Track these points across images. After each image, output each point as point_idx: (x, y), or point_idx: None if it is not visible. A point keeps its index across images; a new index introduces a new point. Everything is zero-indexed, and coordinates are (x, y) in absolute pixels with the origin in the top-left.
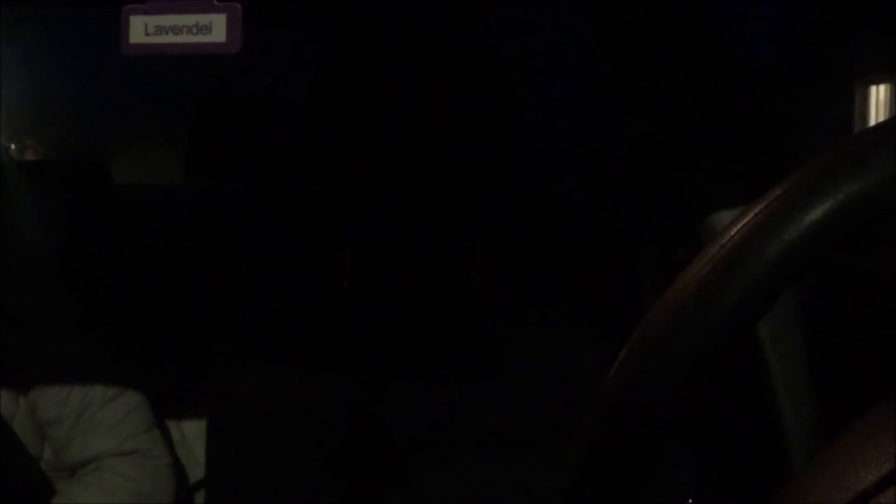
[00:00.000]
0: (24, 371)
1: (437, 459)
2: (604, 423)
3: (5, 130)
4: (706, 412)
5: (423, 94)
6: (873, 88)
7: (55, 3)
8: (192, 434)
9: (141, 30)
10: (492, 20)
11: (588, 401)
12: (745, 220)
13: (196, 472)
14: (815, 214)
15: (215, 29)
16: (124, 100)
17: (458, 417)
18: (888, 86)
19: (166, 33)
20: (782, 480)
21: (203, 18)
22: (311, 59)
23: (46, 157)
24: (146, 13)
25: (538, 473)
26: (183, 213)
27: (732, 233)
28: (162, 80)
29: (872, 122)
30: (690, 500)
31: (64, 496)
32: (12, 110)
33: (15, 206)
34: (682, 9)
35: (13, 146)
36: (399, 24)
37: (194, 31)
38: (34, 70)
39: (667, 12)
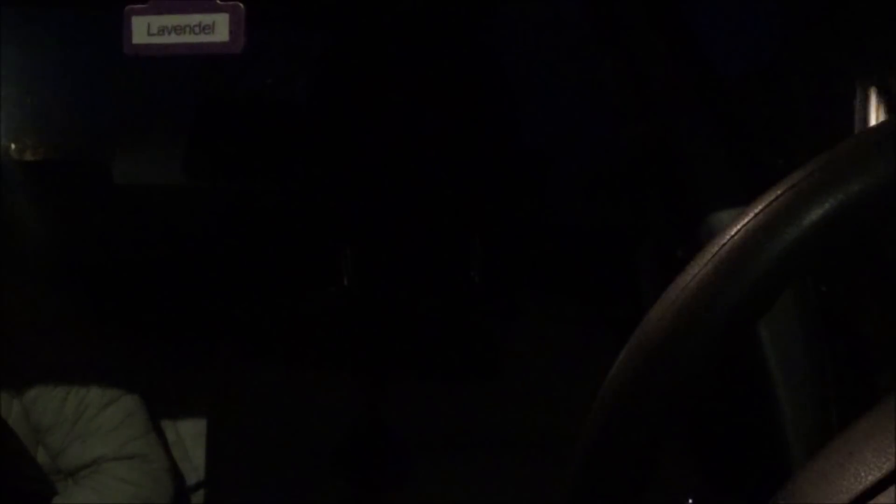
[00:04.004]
0: (20, 373)
1: (436, 458)
2: (604, 422)
3: (5, 130)
4: (706, 412)
5: (423, 96)
6: (873, 88)
7: (56, 4)
8: (187, 435)
9: (144, 30)
10: (492, 21)
11: (588, 401)
12: (746, 220)
13: (192, 474)
14: (815, 214)
15: (218, 28)
16: (124, 100)
17: (457, 417)
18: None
19: (169, 33)
20: (782, 480)
21: (206, 18)
22: (311, 59)
23: (46, 157)
24: (149, 13)
25: (538, 473)
26: (183, 213)
27: (732, 233)
28: (162, 80)
29: (872, 122)
30: (690, 500)
31: (62, 499)
32: (12, 110)
33: (15, 206)
34: (681, 10)
35: (13, 146)
36: (399, 26)
37: (197, 30)
38: (34, 70)
39: (667, 14)
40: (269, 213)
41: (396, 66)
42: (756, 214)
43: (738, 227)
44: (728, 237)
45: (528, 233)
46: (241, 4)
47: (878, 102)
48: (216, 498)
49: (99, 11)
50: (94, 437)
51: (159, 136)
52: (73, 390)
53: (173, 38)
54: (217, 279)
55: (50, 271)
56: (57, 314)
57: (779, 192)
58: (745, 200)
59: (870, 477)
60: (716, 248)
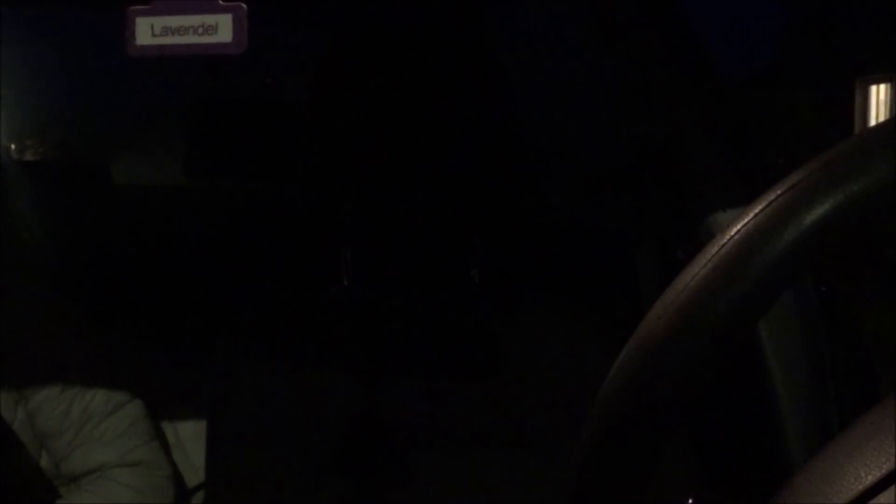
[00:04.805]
0: (24, 378)
1: (436, 459)
2: (604, 423)
3: (5, 130)
4: (706, 412)
5: (423, 95)
6: (873, 88)
7: (60, 4)
8: (187, 436)
9: (147, 31)
10: (492, 20)
11: (588, 401)
12: (745, 220)
13: (192, 475)
14: (815, 214)
15: (221, 29)
16: (124, 100)
17: (457, 417)
18: (888, 86)
19: (172, 34)
20: (782, 480)
21: (209, 19)
22: (311, 59)
23: (46, 157)
24: (152, 14)
25: (538, 473)
26: (183, 212)
27: (732, 233)
28: (162, 80)
29: (872, 122)
30: (690, 500)
31: (64, 501)
32: (12, 110)
33: (15, 206)
34: (682, 11)
35: (13, 146)
36: (399, 25)
37: (200, 31)
38: (34, 70)
39: (668, 14)
40: (269, 213)
41: (396, 65)
42: (756, 214)
43: (738, 227)
44: (728, 237)
45: (528, 232)
46: (244, 5)
47: (878, 102)
48: (217, 497)
49: (99, 12)
50: (98, 444)
51: (159, 136)
52: (78, 397)
53: (176, 39)
54: (217, 279)
55: (51, 273)
56: (59, 317)
57: (779, 192)
58: (745, 200)
59: (870, 477)
60: (716, 248)
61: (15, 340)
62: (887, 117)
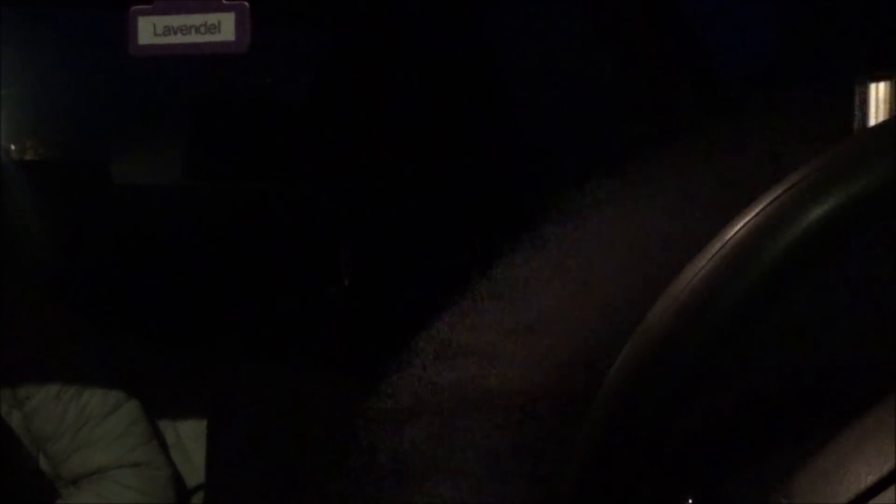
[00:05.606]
0: (20, 381)
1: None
2: (605, 421)
3: (5, 130)
4: (706, 411)
5: (423, 96)
6: (873, 87)
7: (61, 4)
8: (187, 436)
9: (149, 30)
10: (492, 20)
11: (589, 400)
12: (746, 219)
13: (192, 475)
14: (815, 214)
15: (224, 28)
16: (124, 100)
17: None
18: (888, 85)
19: (175, 33)
20: (782, 480)
21: (211, 18)
22: (311, 59)
23: (46, 157)
24: (154, 13)
25: (538, 473)
26: (183, 212)
27: (733, 232)
28: (162, 80)
29: (872, 121)
30: (690, 501)
31: (64, 500)
32: (12, 110)
33: (15, 206)
34: (682, 10)
35: (13, 146)
36: (399, 25)
37: (202, 30)
38: (34, 70)
39: (667, 14)
40: (270, 213)
41: (396, 65)
42: (756, 214)
43: (739, 226)
44: (728, 237)
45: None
46: (247, 4)
47: (878, 102)
48: (217, 496)
49: (99, 11)
50: (96, 446)
51: (159, 136)
52: (75, 399)
53: (179, 38)
54: (217, 279)
55: (50, 273)
56: (58, 318)
57: (779, 192)
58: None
59: (870, 477)
60: (716, 248)
61: (12, 341)
62: (887, 117)
